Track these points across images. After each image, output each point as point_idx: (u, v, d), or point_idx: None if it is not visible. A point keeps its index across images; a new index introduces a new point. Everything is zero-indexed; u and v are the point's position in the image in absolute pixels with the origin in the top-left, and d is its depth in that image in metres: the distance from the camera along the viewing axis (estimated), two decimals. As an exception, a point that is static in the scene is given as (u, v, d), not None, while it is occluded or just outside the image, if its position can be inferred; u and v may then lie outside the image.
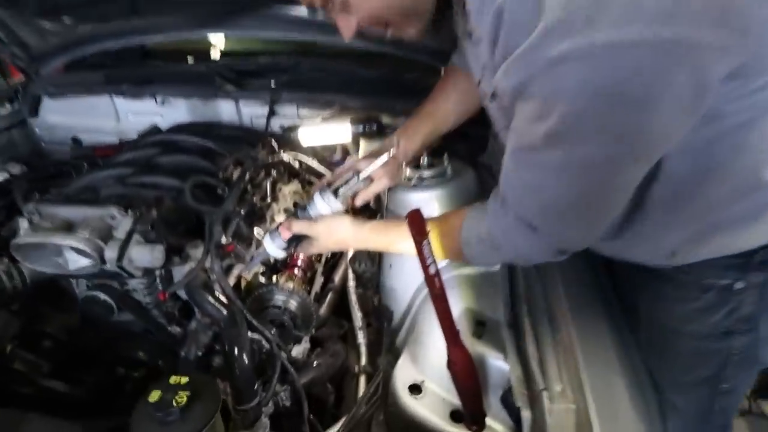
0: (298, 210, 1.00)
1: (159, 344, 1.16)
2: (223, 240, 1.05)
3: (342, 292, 1.35)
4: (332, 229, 0.95)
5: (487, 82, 0.73)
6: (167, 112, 1.62)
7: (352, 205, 1.07)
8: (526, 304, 0.92)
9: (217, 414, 0.76)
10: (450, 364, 0.85)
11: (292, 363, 1.09)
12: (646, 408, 0.73)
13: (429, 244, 0.78)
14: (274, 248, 0.99)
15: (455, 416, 0.93)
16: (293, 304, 1.12)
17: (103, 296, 1.05)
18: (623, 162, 0.63)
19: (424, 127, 1.09)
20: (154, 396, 0.75)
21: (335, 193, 0.96)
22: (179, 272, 1.07)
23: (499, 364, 0.91)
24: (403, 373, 1.03)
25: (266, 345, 1.05)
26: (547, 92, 0.58)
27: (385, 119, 1.44)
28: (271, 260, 1.04)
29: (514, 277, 1.03)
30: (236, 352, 0.95)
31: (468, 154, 1.29)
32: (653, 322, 0.95)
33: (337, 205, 0.96)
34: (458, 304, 1.01)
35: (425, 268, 0.78)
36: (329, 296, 1.32)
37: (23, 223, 0.98)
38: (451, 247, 0.84)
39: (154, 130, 1.46)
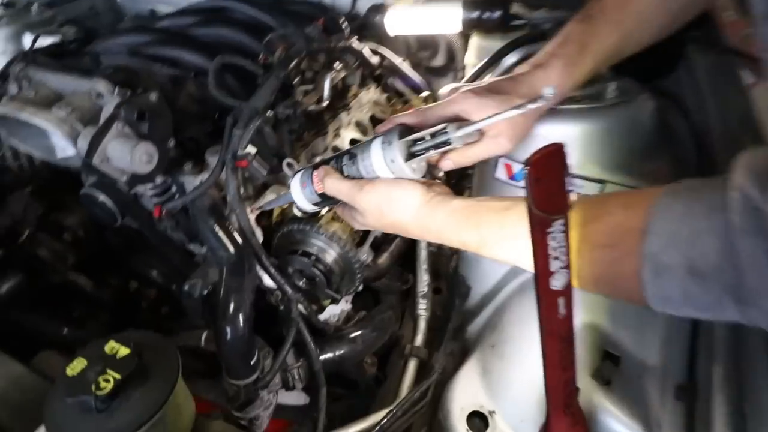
0: (345, 158, 0.60)
1: (174, 265, 0.95)
2: (248, 149, 0.75)
3: (411, 241, 1.02)
4: (386, 204, 0.57)
5: None
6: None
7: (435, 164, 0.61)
8: (727, 362, 0.48)
9: (162, 411, 0.50)
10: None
11: (318, 331, 0.81)
12: None
13: (565, 230, 0.36)
14: (302, 197, 0.64)
15: (532, 489, 0.58)
16: (331, 255, 0.80)
17: (101, 197, 0.83)
18: None
19: (601, 41, 0.60)
20: (76, 367, 0.50)
21: (408, 150, 0.55)
22: (192, 183, 0.81)
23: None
24: (465, 391, 0.69)
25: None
26: None
27: (516, 8, 0.97)
28: (296, 211, 0.69)
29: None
30: (231, 309, 0.67)
31: (644, 74, 0.79)
32: None
33: (405, 170, 0.55)
34: (575, 314, 0.61)
35: (544, 275, 0.37)
36: (394, 243, 0.99)
37: (12, 89, 0.76)
38: (609, 268, 0.41)
39: (215, -3, 1.16)
